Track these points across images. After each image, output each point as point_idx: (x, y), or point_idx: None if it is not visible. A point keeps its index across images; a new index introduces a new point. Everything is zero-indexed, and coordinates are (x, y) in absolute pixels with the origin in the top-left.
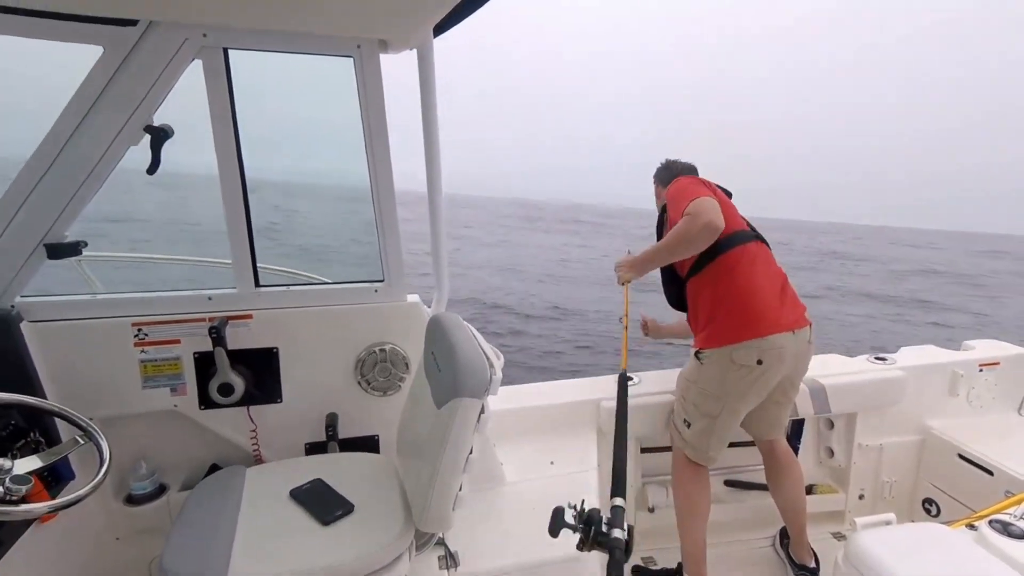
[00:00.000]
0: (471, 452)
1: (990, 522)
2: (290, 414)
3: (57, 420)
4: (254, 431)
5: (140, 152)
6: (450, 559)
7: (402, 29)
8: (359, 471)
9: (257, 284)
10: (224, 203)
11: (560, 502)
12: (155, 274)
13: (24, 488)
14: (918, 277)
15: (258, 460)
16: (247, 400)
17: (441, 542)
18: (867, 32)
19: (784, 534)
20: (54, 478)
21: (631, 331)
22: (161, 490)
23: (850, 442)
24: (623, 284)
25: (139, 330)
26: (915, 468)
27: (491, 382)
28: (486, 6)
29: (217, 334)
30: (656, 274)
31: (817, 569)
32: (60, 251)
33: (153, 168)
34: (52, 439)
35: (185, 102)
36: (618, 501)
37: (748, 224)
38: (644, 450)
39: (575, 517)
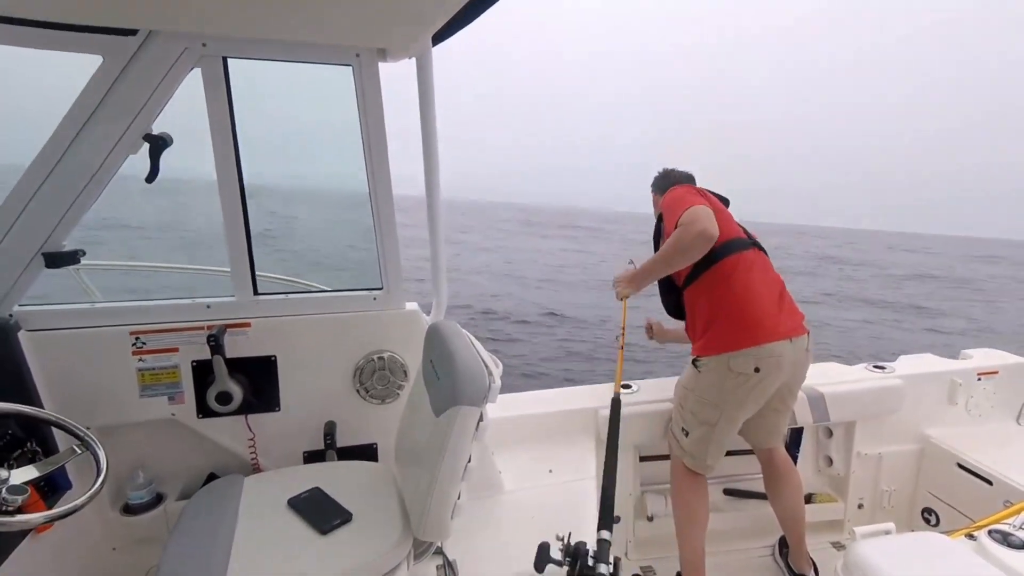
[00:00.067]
0: (469, 460)
1: (989, 532)
2: (288, 422)
3: (54, 429)
4: (252, 440)
5: (138, 157)
6: (448, 568)
7: (401, 38)
8: (357, 480)
9: (255, 292)
10: (223, 211)
11: (558, 511)
12: (153, 280)
13: (20, 498)
14: (914, 282)
15: (256, 469)
16: (245, 409)
17: (439, 551)
18: (867, 32)
19: (783, 543)
20: (51, 488)
21: (634, 340)
22: (158, 499)
23: (849, 451)
24: (621, 299)
25: (137, 338)
26: (914, 477)
27: (490, 390)
28: (484, 14)
29: (215, 342)
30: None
31: None
32: (58, 260)
33: (152, 177)
34: (49, 449)
35: (184, 109)
36: (604, 535)
37: (745, 231)
38: (643, 458)
39: (561, 551)
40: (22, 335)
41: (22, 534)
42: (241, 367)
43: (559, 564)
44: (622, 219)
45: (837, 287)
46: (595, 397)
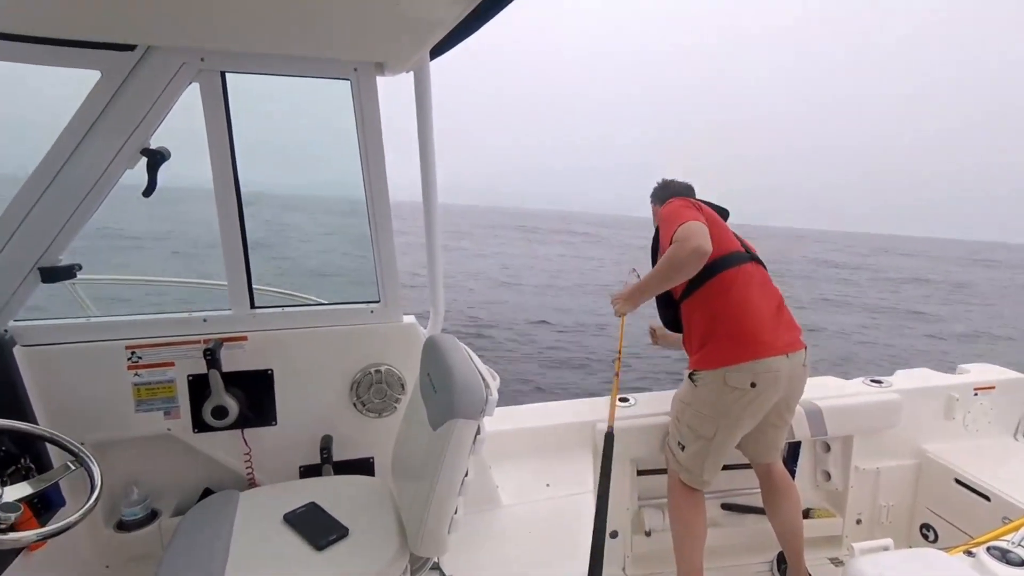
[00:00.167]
0: (467, 474)
1: (988, 549)
2: (284, 437)
3: (48, 445)
4: (248, 454)
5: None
6: None
7: (399, 52)
8: (354, 494)
9: (252, 306)
10: (220, 225)
11: (556, 525)
12: (148, 291)
13: (13, 516)
14: (911, 286)
15: (252, 484)
16: (241, 423)
17: (436, 566)
18: (866, 30)
19: (781, 559)
20: (44, 505)
21: (635, 350)
22: (153, 516)
23: (847, 465)
24: (619, 316)
25: (133, 353)
26: (912, 492)
27: (487, 403)
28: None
29: (212, 356)
30: None
31: None
32: (54, 274)
33: (149, 191)
34: (43, 465)
35: (180, 119)
36: None
37: (743, 244)
38: (640, 472)
39: None
40: (17, 350)
41: (14, 552)
42: (237, 381)
43: None
44: (619, 223)
45: (834, 291)
46: (593, 410)
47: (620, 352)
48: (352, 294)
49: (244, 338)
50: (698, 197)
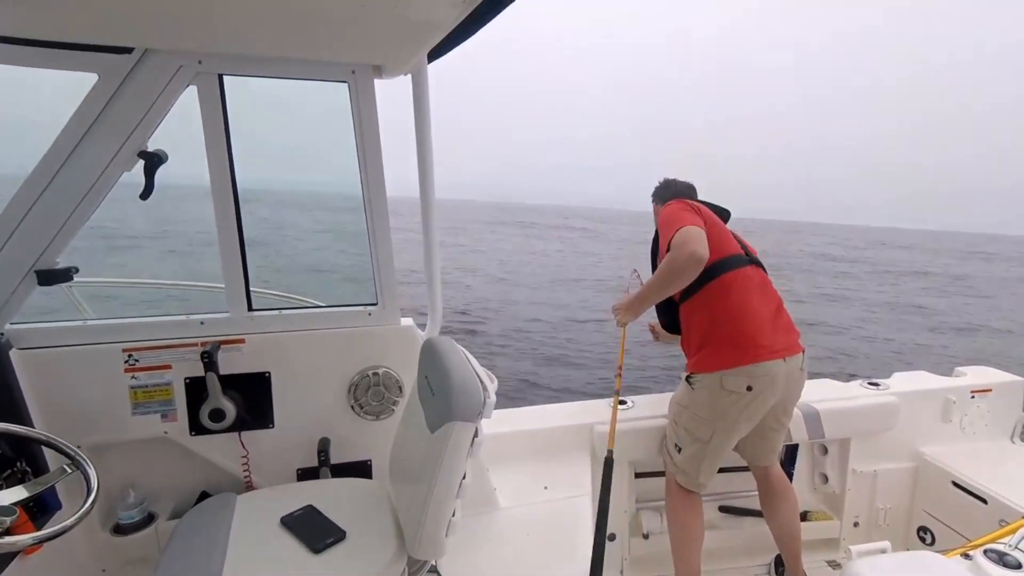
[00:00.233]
0: (464, 477)
1: (985, 551)
2: (282, 439)
3: (45, 448)
4: (245, 457)
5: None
6: None
7: (397, 55)
8: (351, 497)
9: (250, 308)
10: (217, 227)
11: (554, 528)
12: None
13: (8, 519)
14: (909, 278)
15: (249, 487)
16: (239, 426)
17: (434, 569)
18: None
19: (779, 562)
20: (40, 508)
21: (635, 350)
22: (149, 519)
23: (844, 468)
24: (621, 327)
25: (130, 356)
26: (909, 495)
27: (485, 405)
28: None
29: (209, 359)
30: None
31: None
32: (51, 277)
33: (146, 193)
34: (39, 468)
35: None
36: None
37: (743, 247)
38: (638, 475)
39: None
40: (13, 353)
41: (10, 556)
42: (235, 384)
43: None
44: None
45: (833, 284)
46: (590, 413)
47: (621, 367)
48: (347, 289)
49: (241, 340)
50: (699, 197)
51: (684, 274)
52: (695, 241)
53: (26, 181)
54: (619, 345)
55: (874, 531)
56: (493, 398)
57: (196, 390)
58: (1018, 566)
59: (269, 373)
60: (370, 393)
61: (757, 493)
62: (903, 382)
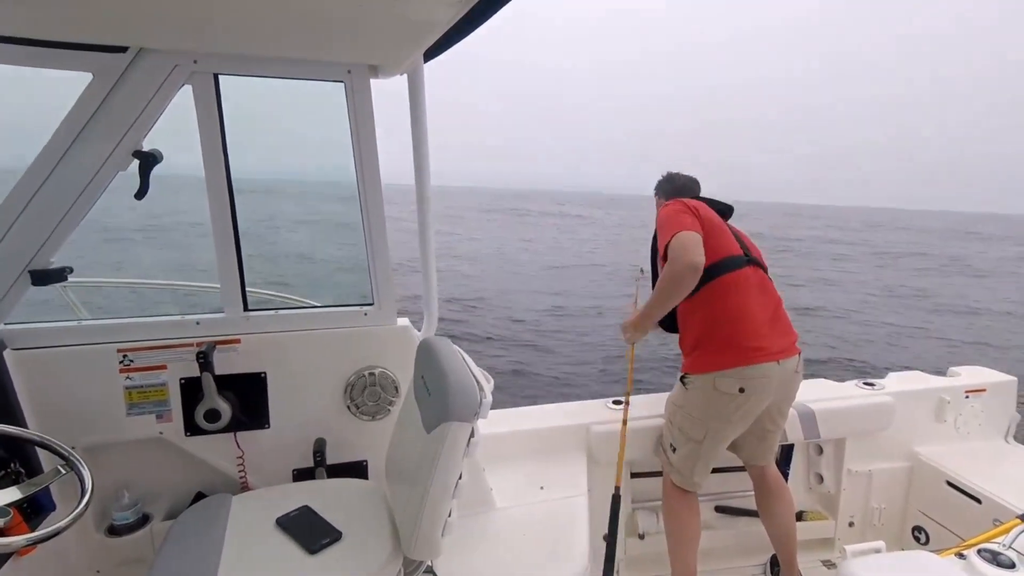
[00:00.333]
0: (461, 477)
1: (979, 551)
2: (278, 440)
3: (39, 449)
4: (241, 457)
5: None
6: None
7: (393, 55)
8: (347, 498)
9: (246, 308)
10: (212, 227)
11: (550, 528)
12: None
13: (2, 521)
14: (907, 260)
15: (244, 487)
16: (234, 426)
17: (430, 570)
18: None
19: (775, 562)
20: (34, 509)
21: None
22: (144, 520)
23: (839, 468)
24: (630, 344)
25: (124, 356)
26: (904, 495)
27: (481, 406)
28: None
29: (205, 359)
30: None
31: None
32: (45, 277)
33: (141, 193)
34: (33, 469)
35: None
36: None
37: (743, 246)
38: (635, 475)
39: None
40: (7, 354)
41: (4, 557)
42: (230, 384)
43: None
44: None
45: (832, 267)
46: (587, 413)
47: (630, 386)
48: (341, 279)
49: (237, 341)
50: (701, 195)
51: (683, 284)
52: (691, 250)
53: (20, 181)
54: (628, 372)
55: (869, 531)
56: (489, 398)
57: (191, 390)
58: (1012, 565)
59: (265, 373)
60: (366, 393)
61: (753, 493)
62: (898, 382)
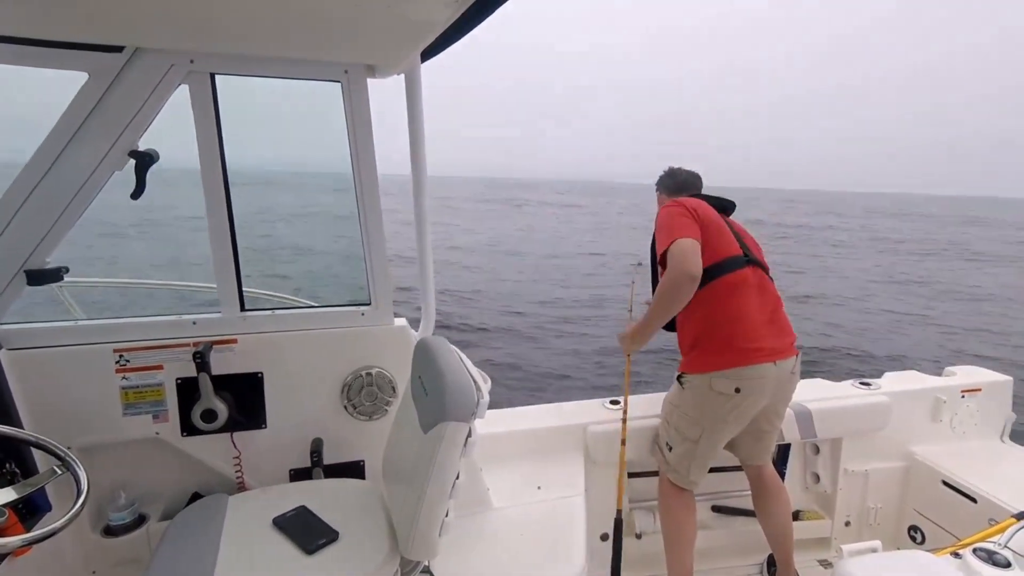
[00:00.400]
0: (458, 477)
1: (974, 550)
2: (274, 440)
3: (34, 450)
4: (237, 458)
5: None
6: None
7: (390, 55)
8: (344, 498)
9: (243, 308)
10: (209, 227)
11: (547, 528)
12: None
13: None
14: (907, 246)
15: (241, 487)
16: (231, 426)
17: (427, 570)
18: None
19: (771, 562)
20: (29, 510)
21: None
22: (140, 520)
23: (836, 468)
24: (627, 355)
25: (121, 356)
26: (900, 494)
27: (478, 406)
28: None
29: (201, 359)
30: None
31: None
32: (41, 277)
33: (137, 193)
34: (28, 470)
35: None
36: None
37: (743, 246)
38: (632, 475)
39: None
40: (3, 354)
41: None
42: (227, 384)
43: None
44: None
45: (832, 254)
46: (584, 413)
47: (627, 395)
48: (338, 271)
49: (234, 341)
50: (703, 191)
51: (680, 295)
52: (687, 260)
53: (15, 180)
54: (625, 383)
55: (865, 530)
56: (487, 398)
57: (188, 391)
58: (1007, 564)
59: (262, 373)
60: (363, 393)
61: (750, 493)
62: (894, 382)
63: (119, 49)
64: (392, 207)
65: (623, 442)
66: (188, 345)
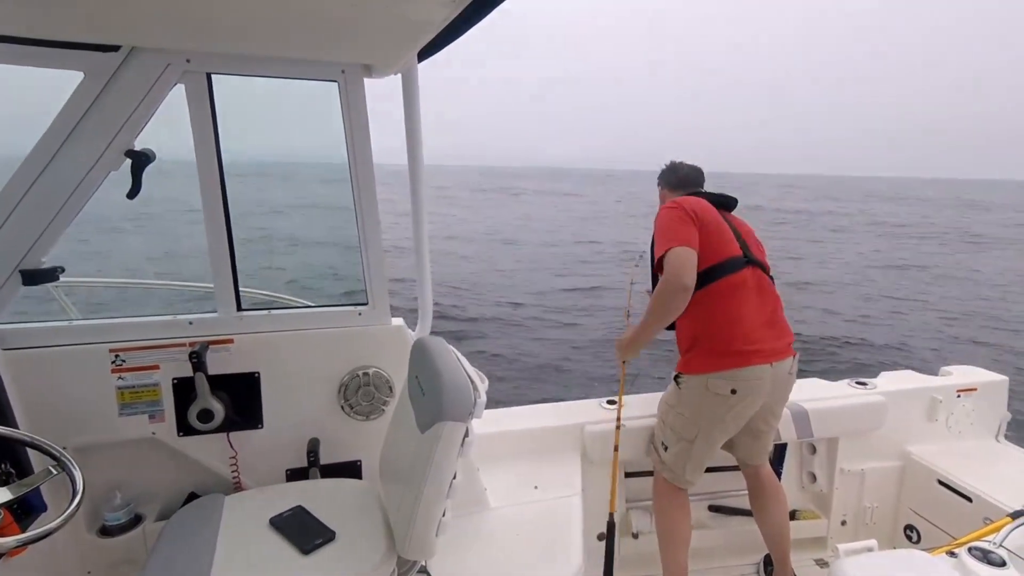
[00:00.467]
0: (455, 477)
1: (970, 549)
2: (271, 440)
3: (30, 450)
4: (234, 458)
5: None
6: None
7: (387, 54)
8: (341, 498)
9: (239, 308)
10: (206, 227)
11: (544, 527)
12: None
13: None
14: (907, 230)
15: (238, 487)
16: (227, 426)
17: (424, 570)
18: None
19: (768, 561)
20: (25, 510)
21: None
22: (136, 521)
23: (832, 467)
24: (623, 362)
25: (117, 356)
26: (896, 494)
27: (475, 405)
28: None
29: (198, 359)
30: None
31: None
32: (36, 277)
33: (133, 193)
34: (24, 470)
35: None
36: None
37: (744, 245)
38: (628, 475)
39: None
40: None
41: None
42: (223, 384)
43: None
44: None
45: (831, 240)
46: (581, 413)
47: (621, 402)
48: (335, 263)
49: (230, 341)
50: (703, 188)
51: (673, 305)
52: (682, 271)
53: (10, 180)
54: (619, 390)
55: (861, 530)
56: (484, 398)
57: (184, 390)
58: (1002, 564)
59: (258, 373)
60: (360, 393)
61: (746, 492)
62: (890, 381)
63: (115, 48)
64: (387, 197)
65: (616, 448)
66: (184, 345)
